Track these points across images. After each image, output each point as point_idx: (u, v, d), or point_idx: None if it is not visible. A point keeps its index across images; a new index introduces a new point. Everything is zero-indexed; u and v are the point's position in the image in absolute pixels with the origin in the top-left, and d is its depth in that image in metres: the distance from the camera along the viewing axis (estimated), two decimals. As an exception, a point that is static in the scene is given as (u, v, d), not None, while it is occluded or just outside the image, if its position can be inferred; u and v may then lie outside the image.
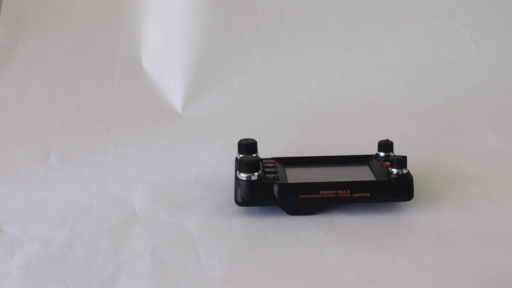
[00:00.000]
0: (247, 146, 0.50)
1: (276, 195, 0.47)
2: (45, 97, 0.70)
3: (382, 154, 0.52)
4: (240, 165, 0.47)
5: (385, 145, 0.52)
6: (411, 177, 0.47)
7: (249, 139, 0.51)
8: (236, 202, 0.47)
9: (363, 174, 0.50)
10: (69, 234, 0.45)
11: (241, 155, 0.50)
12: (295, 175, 0.50)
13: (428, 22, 0.76)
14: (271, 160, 0.52)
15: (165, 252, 0.42)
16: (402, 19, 0.76)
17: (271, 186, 0.47)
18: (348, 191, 0.46)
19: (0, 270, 0.41)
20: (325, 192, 0.46)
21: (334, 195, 0.46)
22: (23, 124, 0.67)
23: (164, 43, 0.75)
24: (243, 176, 0.47)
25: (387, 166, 0.49)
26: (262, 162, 0.51)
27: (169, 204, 0.50)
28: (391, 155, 0.51)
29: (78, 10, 0.75)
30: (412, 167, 0.49)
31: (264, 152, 0.54)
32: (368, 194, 0.46)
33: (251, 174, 0.47)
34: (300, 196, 0.46)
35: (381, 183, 0.47)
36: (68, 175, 0.57)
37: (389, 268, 0.39)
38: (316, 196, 0.46)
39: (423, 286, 0.37)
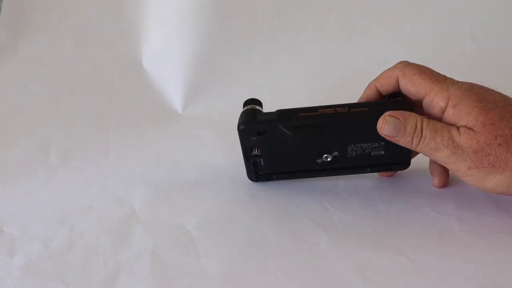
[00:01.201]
0: (253, 100, 0.50)
1: (276, 117, 0.47)
2: (45, 97, 0.70)
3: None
4: (245, 102, 0.49)
5: (394, 93, 0.48)
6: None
7: None
8: (239, 129, 0.47)
9: None
10: (69, 235, 0.45)
11: None
12: None
13: (428, 22, 0.76)
14: None
15: (165, 252, 0.42)
16: (402, 19, 0.76)
17: (272, 112, 0.47)
18: (346, 108, 0.46)
19: (0, 271, 0.41)
20: (323, 110, 0.46)
21: (333, 112, 0.46)
22: (23, 124, 0.67)
23: (164, 43, 0.75)
24: (248, 106, 0.48)
25: None
26: None
27: (169, 204, 0.50)
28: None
29: (78, 10, 0.75)
30: (413, 166, 0.50)
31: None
32: (366, 108, 0.46)
33: (255, 105, 0.48)
34: (299, 114, 0.46)
35: (379, 102, 0.47)
36: (68, 176, 0.57)
37: (389, 268, 0.39)
38: (314, 113, 0.46)
39: (423, 286, 0.37)
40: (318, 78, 0.74)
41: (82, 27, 0.75)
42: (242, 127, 0.47)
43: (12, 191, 0.54)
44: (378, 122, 0.44)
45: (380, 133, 0.44)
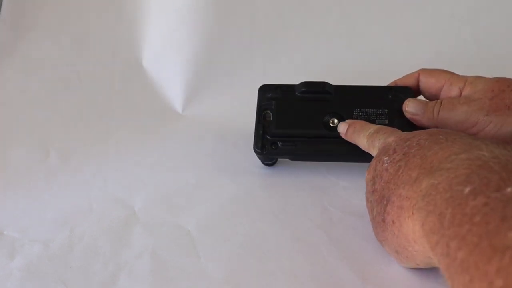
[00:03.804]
0: None
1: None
2: (44, 98, 0.70)
3: None
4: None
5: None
6: None
7: None
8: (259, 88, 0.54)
9: None
10: (69, 236, 0.46)
11: None
12: None
13: (429, 21, 0.76)
14: None
15: (165, 252, 0.42)
16: (402, 17, 0.76)
17: None
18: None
19: (0, 272, 0.41)
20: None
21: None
22: (23, 125, 0.67)
23: (164, 43, 0.75)
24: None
25: None
26: None
27: (169, 204, 0.50)
28: None
29: (79, 10, 0.75)
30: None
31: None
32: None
33: None
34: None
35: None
36: (68, 177, 0.57)
37: (389, 268, 0.39)
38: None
39: (423, 286, 0.37)
40: (318, 78, 0.74)
41: (82, 27, 0.74)
42: (263, 84, 0.54)
43: (12, 194, 0.54)
44: (403, 103, 0.48)
45: (404, 111, 0.48)
